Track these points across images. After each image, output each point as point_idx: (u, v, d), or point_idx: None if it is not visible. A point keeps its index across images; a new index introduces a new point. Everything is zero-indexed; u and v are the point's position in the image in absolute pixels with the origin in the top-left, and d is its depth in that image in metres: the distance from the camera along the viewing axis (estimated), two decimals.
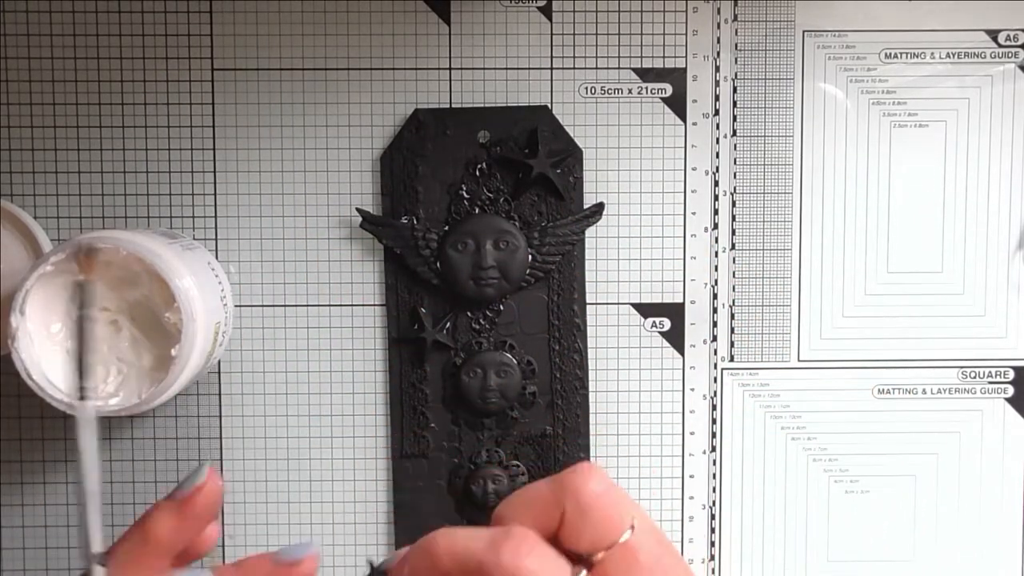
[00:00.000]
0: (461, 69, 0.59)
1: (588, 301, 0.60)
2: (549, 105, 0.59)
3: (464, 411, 0.60)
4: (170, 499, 0.42)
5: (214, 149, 0.59)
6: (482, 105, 0.59)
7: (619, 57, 0.59)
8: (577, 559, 0.38)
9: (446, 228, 0.59)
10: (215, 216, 0.59)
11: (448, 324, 0.59)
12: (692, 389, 0.61)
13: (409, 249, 0.59)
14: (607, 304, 0.60)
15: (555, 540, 0.38)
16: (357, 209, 0.59)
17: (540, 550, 0.38)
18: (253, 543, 0.60)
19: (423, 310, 0.59)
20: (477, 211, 0.59)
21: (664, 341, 0.60)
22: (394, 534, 0.60)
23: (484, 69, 0.59)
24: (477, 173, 0.59)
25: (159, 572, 0.40)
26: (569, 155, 0.59)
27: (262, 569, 0.42)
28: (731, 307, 0.60)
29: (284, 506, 0.60)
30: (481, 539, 0.38)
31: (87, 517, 0.40)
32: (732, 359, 0.61)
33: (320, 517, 0.60)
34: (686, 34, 0.59)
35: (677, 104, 0.60)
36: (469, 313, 0.60)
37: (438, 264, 0.59)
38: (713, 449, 0.61)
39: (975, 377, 0.61)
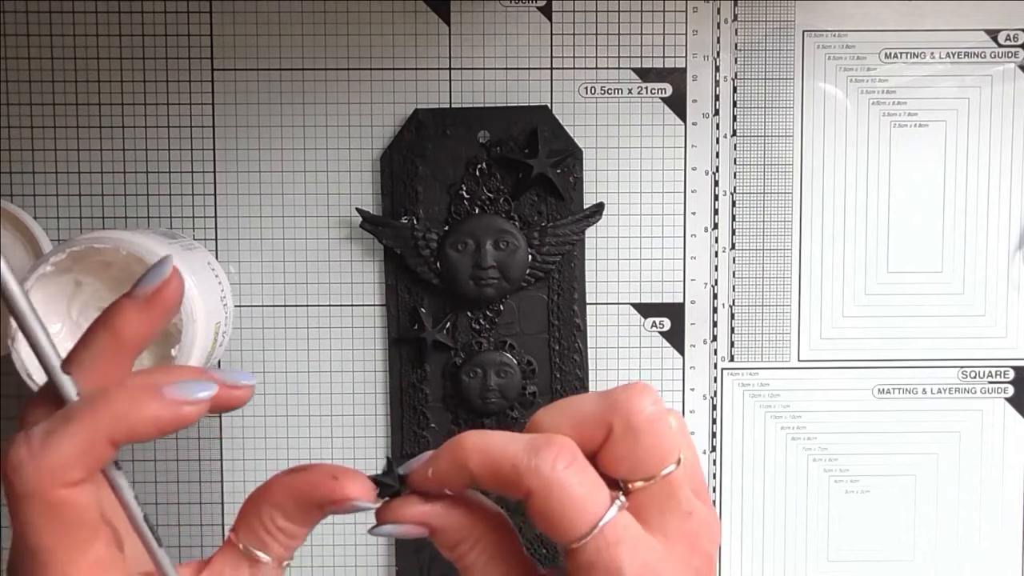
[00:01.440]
0: (461, 69, 0.59)
1: (588, 301, 0.60)
2: (549, 105, 0.59)
3: (464, 411, 0.60)
4: (132, 296, 0.36)
5: (214, 149, 0.59)
6: (482, 105, 0.59)
7: (619, 57, 0.59)
8: (613, 484, 0.35)
9: (446, 228, 0.59)
10: (215, 216, 0.59)
11: (448, 324, 0.59)
12: (692, 389, 0.61)
13: (409, 249, 0.59)
14: (607, 304, 0.60)
15: (593, 460, 0.35)
16: (357, 209, 0.59)
17: (581, 464, 0.35)
18: None
19: (423, 310, 0.59)
20: (477, 211, 0.59)
21: (664, 341, 0.60)
22: None
23: (484, 69, 0.59)
24: (477, 173, 0.59)
25: (126, 372, 0.36)
26: (569, 155, 0.59)
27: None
28: (731, 307, 0.60)
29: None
30: (518, 442, 0.35)
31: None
32: (732, 359, 0.61)
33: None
34: (686, 34, 0.59)
35: (677, 104, 0.60)
36: (469, 313, 0.60)
37: (438, 264, 0.59)
38: (713, 449, 0.61)
39: (975, 377, 0.61)
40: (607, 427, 0.35)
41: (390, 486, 0.37)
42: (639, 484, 0.35)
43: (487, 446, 0.35)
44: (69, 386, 0.35)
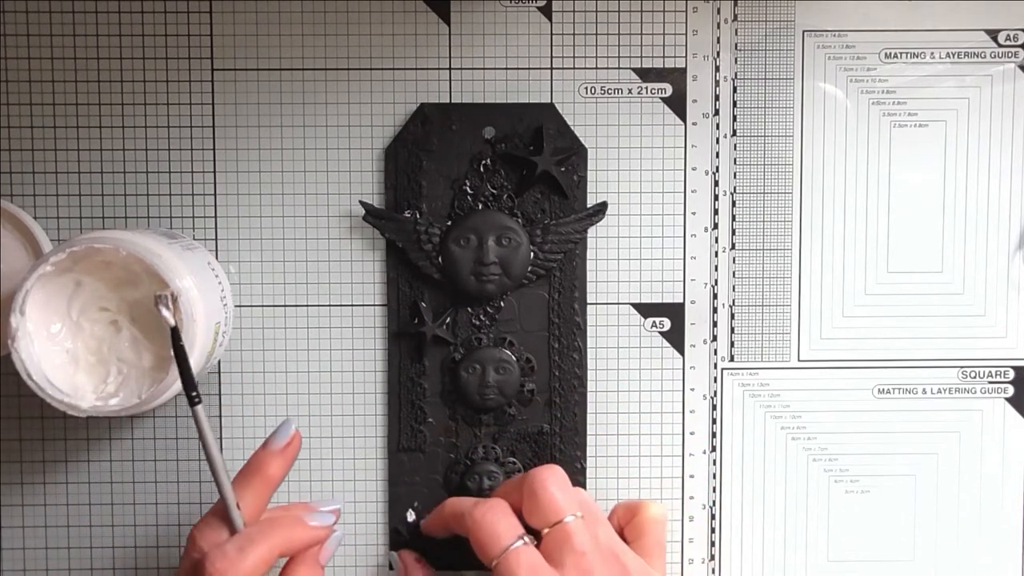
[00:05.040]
0: (461, 69, 0.59)
1: (588, 301, 0.60)
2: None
3: (462, 407, 0.60)
4: (270, 450, 0.53)
5: (214, 149, 0.59)
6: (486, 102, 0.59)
7: (619, 57, 0.59)
8: (531, 532, 0.53)
9: (449, 223, 0.59)
10: (215, 216, 0.59)
11: (448, 319, 0.59)
12: (692, 389, 0.61)
13: (411, 243, 0.59)
14: (607, 304, 0.60)
15: (520, 516, 0.54)
16: (360, 201, 0.59)
17: (502, 512, 0.53)
18: None
19: (423, 304, 0.59)
20: (480, 207, 0.59)
21: (664, 341, 0.60)
22: (389, 530, 0.60)
23: (484, 69, 0.59)
24: (481, 169, 0.59)
25: (267, 500, 0.53)
26: (573, 153, 0.59)
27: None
28: (731, 307, 0.60)
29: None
30: (471, 501, 0.55)
31: (224, 490, 0.51)
32: (732, 359, 0.61)
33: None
34: (686, 34, 0.59)
35: (677, 104, 0.60)
36: (470, 309, 0.60)
37: (440, 259, 0.59)
38: (713, 449, 0.61)
39: (975, 377, 0.61)
40: (521, 492, 0.54)
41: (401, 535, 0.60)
42: (546, 531, 0.53)
43: (455, 505, 0.57)
44: (239, 518, 0.51)
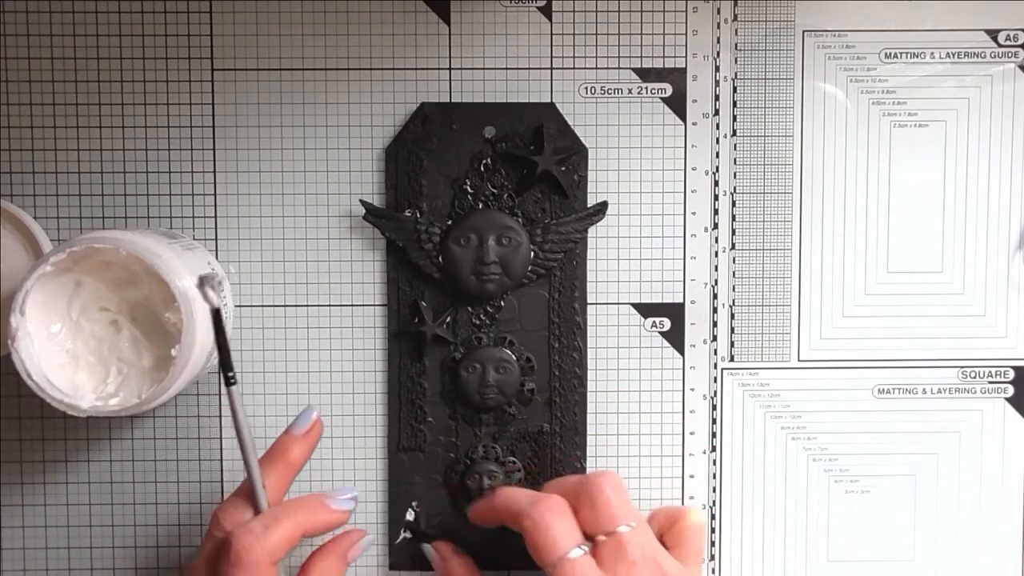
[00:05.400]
0: (461, 69, 0.59)
1: (588, 301, 0.60)
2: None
3: (462, 406, 0.60)
4: (292, 434, 0.55)
5: (214, 149, 0.59)
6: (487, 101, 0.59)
7: (619, 57, 0.59)
8: (587, 537, 0.52)
9: (449, 222, 0.59)
10: (215, 216, 0.59)
11: (448, 319, 0.59)
12: (692, 389, 0.61)
13: (411, 242, 0.59)
14: (607, 304, 0.60)
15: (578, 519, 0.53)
16: (360, 201, 0.59)
17: (562, 515, 0.52)
18: None
19: (424, 304, 0.59)
20: (481, 206, 0.59)
21: (664, 341, 0.60)
22: (389, 530, 0.60)
23: (484, 69, 0.59)
24: (482, 168, 0.59)
25: (290, 482, 0.55)
26: (574, 153, 0.59)
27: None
28: (731, 307, 0.60)
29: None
30: (528, 496, 0.54)
31: (252, 470, 0.52)
32: (732, 359, 0.61)
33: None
34: (686, 34, 0.59)
35: (677, 104, 0.60)
36: (470, 308, 0.60)
37: (440, 258, 0.59)
38: (713, 449, 0.61)
39: (975, 377, 0.61)
40: (579, 494, 0.53)
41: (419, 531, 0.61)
42: (601, 538, 0.52)
43: (508, 497, 0.55)
44: (264, 498, 0.52)
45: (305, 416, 0.56)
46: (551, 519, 0.52)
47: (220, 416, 0.60)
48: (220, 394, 0.60)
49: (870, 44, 0.59)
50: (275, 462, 0.54)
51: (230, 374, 0.50)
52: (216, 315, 0.49)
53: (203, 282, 0.49)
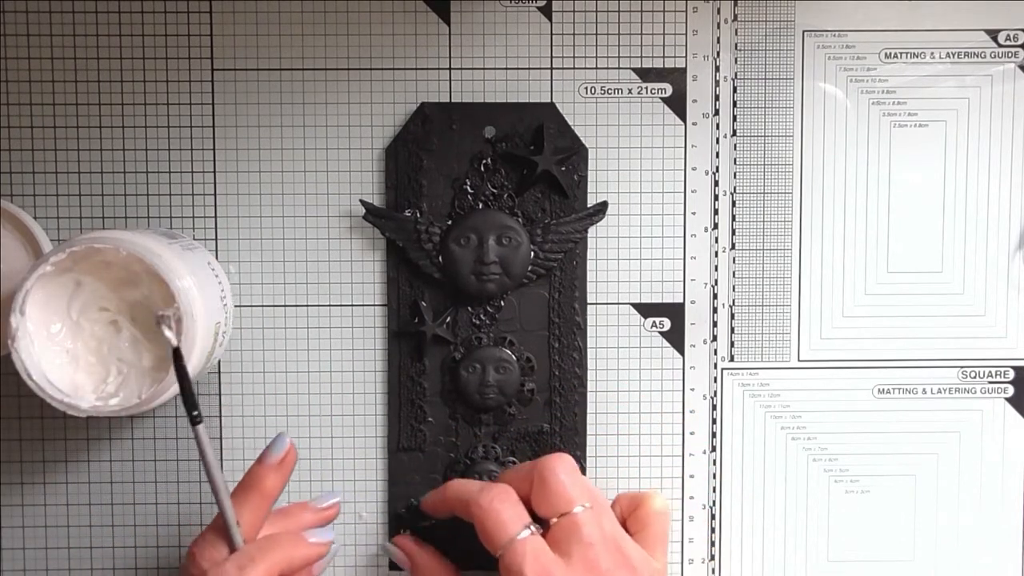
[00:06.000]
0: (461, 69, 0.59)
1: (588, 301, 0.60)
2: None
3: (462, 406, 0.60)
4: (266, 464, 0.53)
5: (214, 149, 0.59)
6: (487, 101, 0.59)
7: (619, 57, 0.59)
8: (538, 521, 0.53)
9: (449, 222, 0.59)
10: (215, 216, 0.59)
11: (448, 319, 0.59)
12: (692, 389, 0.61)
13: (411, 242, 0.59)
14: (607, 304, 0.60)
15: (528, 504, 0.53)
16: (361, 201, 0.59)
17: (510, 501, 0.53)
18: None
19: (424, 304, 0.59)
20: (481, 206, 0.59)
21: (664, 341, 0.60)
22: (389, 530, 0.60)
23: (484, 69, 0.59)
24: (482, 168, 0.59)
25: (266, 515, 0.54)
26: (574, 153, 0.59)
27: (300, 516, 0.56)
28: (731, 307, 0.60)
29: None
30: (477, 485, 0.55)
31: (225, 508, 0.51)
32: (732, 359, 0.61)
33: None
34: (686, 34, 0.59)
35: (677, 104, 0.60)
36: (470, 308, 0.60)
37: (440, 258, 0.59)
38: (713, 449, 0.61)
39: (975, 377, 0.61)
40: (531, 479, 0.53)
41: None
42: (554, 520, 0.52)
43: (459, 488, 0.55)
44: (239, 536, 0.51)
45: (278, 444, 0.54)
46: (499, 505, 0.52)
47: (220, 416, 0.60)
48: (220, 394, 0.60)
49: (870, 44, 0.59)
50: (249, 494, 0.53)
51: (195, 413, 0.50)
52: (176, 353, 0.49)
53: (159, 321, 0.49)
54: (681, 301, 0.60)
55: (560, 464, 0.53)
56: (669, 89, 0.60)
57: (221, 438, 0.60)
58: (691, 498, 0.61)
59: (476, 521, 0.53)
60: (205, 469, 0.50)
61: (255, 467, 0.54)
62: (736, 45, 0.60)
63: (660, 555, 0.55)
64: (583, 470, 0.60)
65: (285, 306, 0.60)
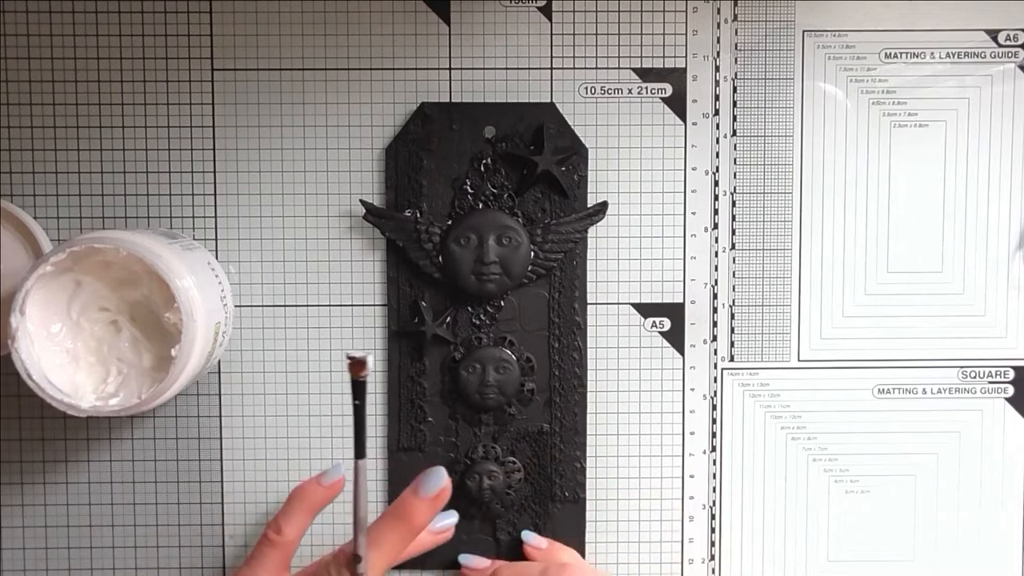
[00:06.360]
0: (461, 69, 0.59)
1: (588, 301, 0.60)
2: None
3: (462, 406, 0.60)
4: (420, 496, 0.52)
5: (214, 149, 0.59)
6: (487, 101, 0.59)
7: (619, 57, 0.59)
8: None
9: (449, 222, 0.59)
10: (215, 216, 0.59)
11: (448, 319, 0.59)
12: (692, 389, 0.61)
13: (411, 242, 0.59)
14: (607, 304, 0.60)
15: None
16: (361, 201, 0.59)
17: None
18: (253, 543, 0.60)
19: (424, 304, 0.59)
20: (481, 206, 0.59)
21: (664, 341, 0.60)
22: None
23: (484, 69, 0.59)
24: (482, 168, 0.59)
25: (408, 545, 0.53)
26: (574, 153, 0.59)
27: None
28: (731, 307, 0.60)
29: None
30: (535, 568, 0.55)
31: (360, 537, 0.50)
32: (732, 359, 0.61)
33: (320, 517, 0.60)
34: (686, 34, 0.59)
35: (677, 104, 0.60)
36: (470, 308, 0.60)
37: (440, 258, 0.59)
38: (713, 449, 0.61)
39: (975, 377, 0.61)
40: None
41: None
42: None
43: (513, 570, 0.57)
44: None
45: (436, 477, 0.53)
46: None
47: (220, 416, 0.60)
48: (220, 394, 0.60)
49: (870, 44, 0.59)
50: (398, 524, 0.52)
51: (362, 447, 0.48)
52: (357, 388, 0.47)
53: (354, 367, 0.47)
54: (681, 301, 0.60)
55: None
56: (669, 89, 0.60)
57: (221, 438, 0.60)
58: (691, 498, 0.61)
59: None
60: (355, 504, 0.49)
61: (409, 497, 0.52)
62: (736, 45, 0.60)
63: None
64: (583, 471, 0.60)
65: (285, 306, 0.60)
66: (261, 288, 0.60)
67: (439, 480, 0.52)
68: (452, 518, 0.58)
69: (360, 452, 0.48)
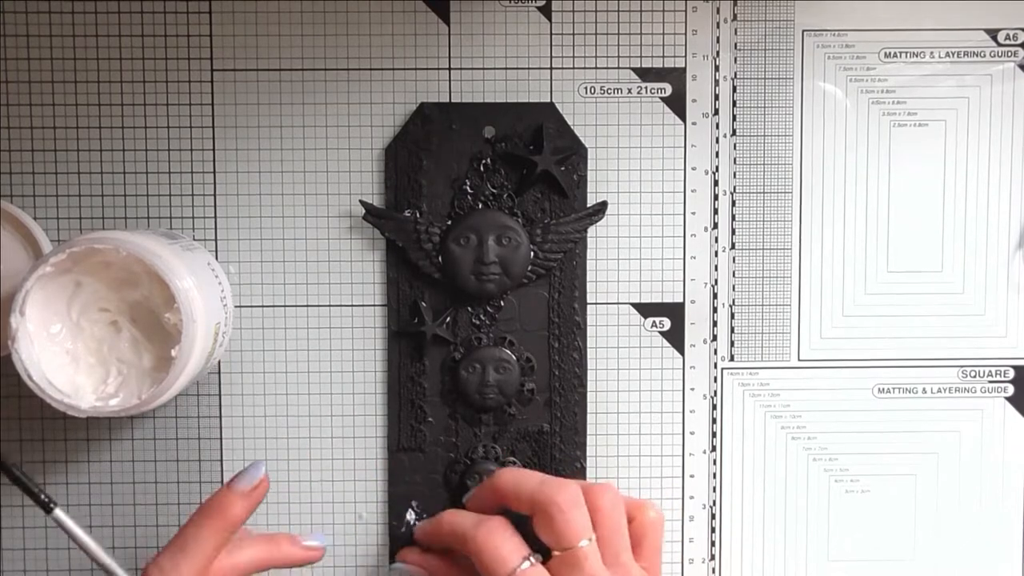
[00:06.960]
0: (460, 69, 0.59)
1: (588, 301, 0.60)
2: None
3: (462, 406, 0.60)
4: (234, 490, 0.53)
5: (214, 149, 0.59)
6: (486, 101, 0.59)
7: (619, 57, 0.59)
8: (532, 540, 0.52)
9: (449, 222, 0.59)
10: (215, 216, 0.59)
11: (448, 319, 0.59)
12: (692, 389, 0.61)
13: (411, 242, 0.59)
14: (607, 304, 0.60)
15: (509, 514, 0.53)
16: (360, 201, 0.59)
17: (506, 531, 0.52)
18: None
19: (423, 304, 0.59)
20: (480, 206, 0.59)
21: (664, 341, 0.60)
22: (389, 530, 0.60)
23: (484, 69, 0.59)
24: (481, 168, 0.59)
25: (226, 543, 0.53)
26: (574, 153, 0.59)
27: (283, 546, 0.55)
28: (731, 307, 0.60)
29: (284, 506, 0.60)
30: (471, 518, 0.54)
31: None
32: (732, 359, 0.61)
33: (320, 518, 0.60)
34: (686, 34, 0.59)
35: (677, 104, 0.60)
36: (469, 308, 0.60)
37: (440, 258, 0.59)
38: (713, 449, 0.61)
39: (975, 376, 0.61)
40: (534, 512, 0.52)
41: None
42: (557, 553, 0.51)
43: (453, 519, 0.55)
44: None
45: (253, 471, 0.54)
46: (496, 539, 0.52)
47: (220, 416, 0.60)
48: (220, 394, 0.60)
49: (870, 44, 0.59)
50: (212, 518, 0.52)
51: (44, 499, 0.53)
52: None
53: None
54: (681, 301, 0.60)
55: (564, 499, 0.52)
56: (669, 89, 0.60)
57: (221, 438, 0.60)
58: (691, 498, 0.61)
59: (474, 556, 0.52)
60: (82, 548, 0.53)
61: (224, 492, 0.53)
62: (736, 45, 0.60)
63: (656, 565, 0.54)
64: (583, 471, 0.60)
65: (285, 306, 0.60)
66: (261, 288, 0.60)
67: (256, 474, 0.53)
68: (324, 540, 0.58)
69: (48, 506, 0.53)
